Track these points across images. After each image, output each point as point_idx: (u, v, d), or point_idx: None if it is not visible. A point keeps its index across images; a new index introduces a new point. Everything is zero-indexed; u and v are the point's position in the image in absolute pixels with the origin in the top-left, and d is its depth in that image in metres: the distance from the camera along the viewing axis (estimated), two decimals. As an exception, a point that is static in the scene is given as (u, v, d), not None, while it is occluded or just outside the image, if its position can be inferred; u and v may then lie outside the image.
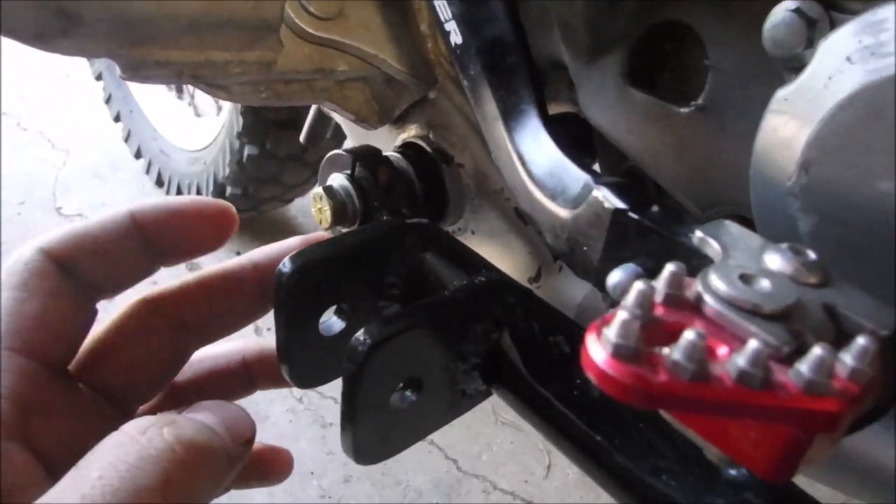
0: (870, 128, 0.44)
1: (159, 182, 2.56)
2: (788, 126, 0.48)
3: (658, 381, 0.31)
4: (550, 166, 0.66)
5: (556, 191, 0.64)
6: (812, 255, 0.39)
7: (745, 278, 0.36)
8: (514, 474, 1.93)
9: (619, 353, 0.31)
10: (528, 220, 0.69)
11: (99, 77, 2.67)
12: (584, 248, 0.60)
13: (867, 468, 0.63)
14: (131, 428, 0.42)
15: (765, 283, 0.36)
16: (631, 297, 0.34)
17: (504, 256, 0.87)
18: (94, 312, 0.53)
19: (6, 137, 3.10)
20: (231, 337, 0.61)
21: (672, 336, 0.33)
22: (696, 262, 0.44)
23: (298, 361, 0.61)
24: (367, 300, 0.64)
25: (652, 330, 0.33)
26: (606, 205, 0.57)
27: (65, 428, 0.48)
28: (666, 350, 0.32)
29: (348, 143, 1.06)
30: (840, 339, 0.35)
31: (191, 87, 2.41)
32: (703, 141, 0.62)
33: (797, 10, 0.46)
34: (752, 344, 0.31)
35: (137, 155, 2.64)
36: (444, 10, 0.76)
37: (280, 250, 0.61)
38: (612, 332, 0.32)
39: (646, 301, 0.34)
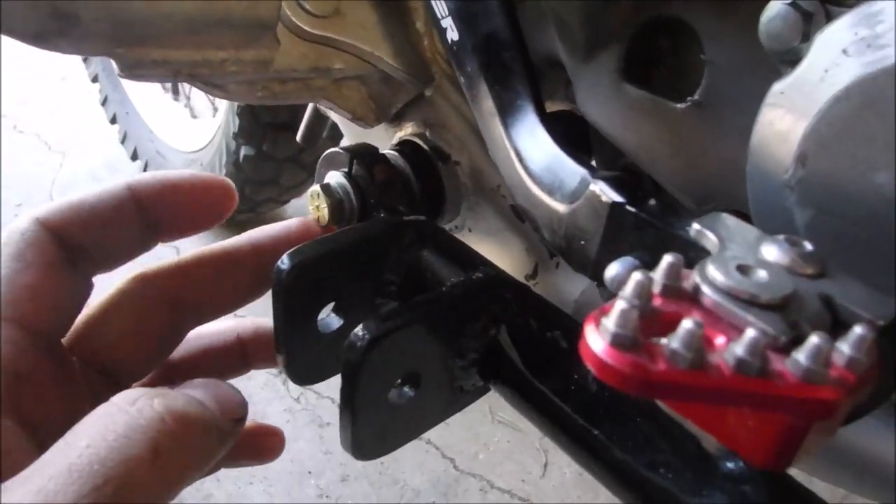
0: (866, 120, 0.44)
1: (156, 183, 2.55)
2: (785, 119, 0.48)
3: (656, 370, 0.31)
4: (547, 162, 0.66)
5: (554, 186, 0.65)
6: (808, 246, 0.39)
7: (743, 269, 0.36)
8: (511, 473, 1.93)
9: (617, 342, 0.31)
10: (525, 217, 0.69)
11: (95, 79, 2.67)
12: (582, 242, 0.60)
13: (864, 463, 0.63)
14: (121, 399, 0.42)
15: (762, 274, 0.36)
16: (629, 288, 0.34)
17: (501, 254, 0.88)
18: (90, 286, 0.53)
19: (3, 140, 3.11)
20: (227, 315, 0.61)
21: (670, 326, 0.33)
22: (694, 255, 0.44)
23: (297, 358, 0.61)
24: (364, 297, 0.64)
25: (650, 320, 0.34)
26: (604, 199, 0.57)
27: (55, 400, 0.48)
28: (664, 340, 0.32)
29: (345, 142, 1.06)
30: (837, 329, 0.36)
31: (187, 89, 2.42)
32: (699, 136, 0.62)
33: (793, 4, 0.46)
34: (750, 333, 0.32)
35: (134, 157, 2.64)
36: (440, 7, 0.76)
37: (278, 231, 0.60)
38: (610, 321, 0.32)
39: (644, 291, 0.34)
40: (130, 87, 2.57)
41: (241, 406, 0.49)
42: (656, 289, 0.35)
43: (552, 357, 0.58)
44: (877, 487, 0.65)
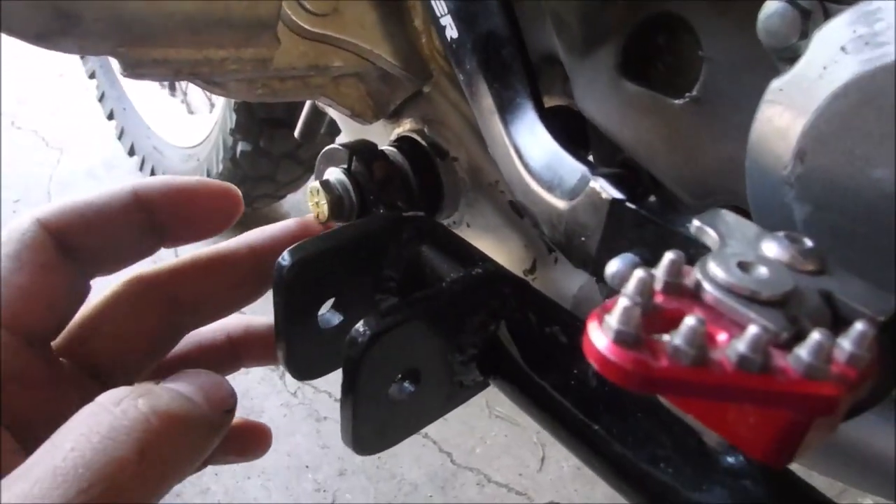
0: (865, 116, 0.44)
1: (153, 179, 2.56)
2: (783, 116, 0.48)
3: (659, 367, 0.31)
4: (547, 158, 0.67)
5: (553, 182, 0.65)
6: (808, 242, 0.39)
7: (743, 266, 0.37)
8: (509, 467, 1.94)
9: (620, 339, 0.32)
10: (524, 213, 0.70)
11: (92, 75, 2.67)
12: (582, 238, 0.60)
13: (864, 458, 0.64)
14: (105, 399, 0.41)
15: (762, 271, 0.37)
16: (631, 285, 0.34)
17: (499, 249, 0.88)
18: (88, 288, 0.53)
19: (1, 137, 3.11)
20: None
21: (672, 323, 0.33)
22: (694, 251, 0.44)
23: (297, 353, 0.61)
24: (364, 293, 0.64)
25: (652, 317, 0.34)
26: (604, 195, 0.57)
27: (43, 402, 0.48)
28: (666, 337, 0.32)
29: (343, 138, 1.06)
30: (837, 325, 0.36)
31: (183, 85, 2.42)
32: (697, 132, 0.63)
33: (791, 1, 0.47)
34: (752, 329, 0.32)
35: (131, 152, 2.64)
36: (439, 6, 0.76)
37: (276, 232, 0.60)
38: (613, 318, 0.32)
39: (646, 289, 0.34)
40: (127, 83, 2.57)
41: (230, 396, 0.48)
42: (658, 286, 0.36)
43: (551, 352, 0.58)
44: (876, 482, 0.65)
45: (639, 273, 0.34)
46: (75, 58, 2.89)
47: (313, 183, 0.77)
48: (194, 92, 2.45)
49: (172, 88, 2.52)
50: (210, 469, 1.85)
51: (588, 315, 0.34)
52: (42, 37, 0.61)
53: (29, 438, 0.44)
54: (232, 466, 1.86)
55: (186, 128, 2.42)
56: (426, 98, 0.89)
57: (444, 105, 0.88)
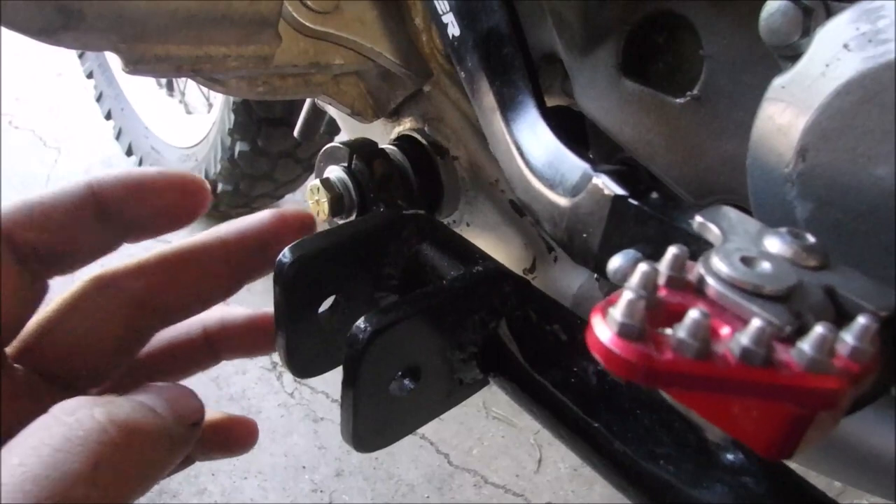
0: (867, 114, 0.44)
1: (151, 179, 2.55)
2: (785, 113, 0.49)
3: (663, 360, 0.31)
4: (549, 156, 0.67)
5: (555, 180, 0.65)
6: (811, 238, 0.39)
7: (746, 261, 0.37)
8: (506, 468, 1.94)
9: (624, 332, 0.32)
10: (525, 211, 0.70)
11: (90, 75, 2.67)
12: (584, 235, 0.60)
13: (863, 456, 0.64)
14: (59, 409, 0.39)
15: (765, 266, 0.37)
16: (635, 279, 0.34)
17: (499, 248, 0.88)
18: (44, 290, 0.50)
19: (-1, 136, 3.11)
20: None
21: (675, 317, 0.33)
22: (696, 247, 0.44)
23: (297, 351, 0.61)
24: (364, 291, 0.64)
25: (655, 311, 0.34)
26: (606, 192, 0.57)
27: None
28: (669, 331, 0.32)
29: (342, 137, 1.06)
30: (840, 320, 0.36)
31: (181, 84, 2.42)
32: (698, 130, 0.63)
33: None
34: (755, 323, 0.32)
35: (129, 152, 2.63)
36: (441, 4, 0.76)
37: (249, 225, 0.57)
38: (617, 311, 0.32)
39: (650, 283, 0.34)
40: (125, 83, 2.57)
41: (197, 410, 0.46)
42: (661, 280, 0.36)
43: (552, 350, 0.58)
44: (876, 482, 0.65)
45: (643, 267, 0.34)
46: (73, 57, 2.89)
47: (313, 181, 0.77)
48: (192, 92, 2.45)
49: (170, 88, 2.52)
50: (207, 469, 1.85)
51: (591, 310, 0.34)
52: (45, 32, 0.61)
53: None
54: (229, 466, 1.86)
55: (184, 127, 2.42)
56: (426, 96, 0.89)
57: (444, 103, 0.88)
